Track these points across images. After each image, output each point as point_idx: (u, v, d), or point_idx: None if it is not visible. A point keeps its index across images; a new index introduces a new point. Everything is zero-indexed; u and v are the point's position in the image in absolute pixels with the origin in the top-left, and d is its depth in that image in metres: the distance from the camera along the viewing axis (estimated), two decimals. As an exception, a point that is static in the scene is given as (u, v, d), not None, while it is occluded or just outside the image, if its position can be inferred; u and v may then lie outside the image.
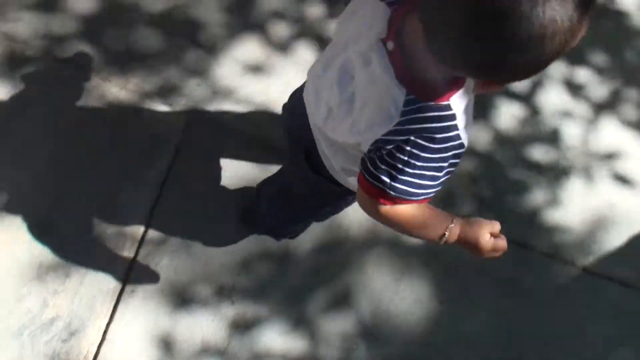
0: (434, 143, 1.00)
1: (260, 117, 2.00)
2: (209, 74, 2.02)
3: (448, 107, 0.98)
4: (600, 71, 2.20)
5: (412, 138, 0.99)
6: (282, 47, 2.08)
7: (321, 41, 2.08)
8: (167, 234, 1.86)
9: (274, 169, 1.85)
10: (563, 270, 1.99)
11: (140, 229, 1.85)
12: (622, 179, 2.11)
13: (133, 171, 1.90)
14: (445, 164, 1.03)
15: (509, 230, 1.27)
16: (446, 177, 1.05)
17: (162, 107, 1.97)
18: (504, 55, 0.82)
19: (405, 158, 1.01)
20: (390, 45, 0.98)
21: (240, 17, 2.09)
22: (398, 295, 1.90)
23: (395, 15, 0.99)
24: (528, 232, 2.00)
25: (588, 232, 2.04)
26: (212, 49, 2.05)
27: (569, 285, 1.99)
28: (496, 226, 1.17)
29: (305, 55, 2.07)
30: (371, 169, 1.06)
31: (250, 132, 1.98)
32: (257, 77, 2.04)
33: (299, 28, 2.11)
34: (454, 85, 0.98)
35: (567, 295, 1.97)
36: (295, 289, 1.88)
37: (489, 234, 1.16)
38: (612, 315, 1.98)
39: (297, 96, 1.36)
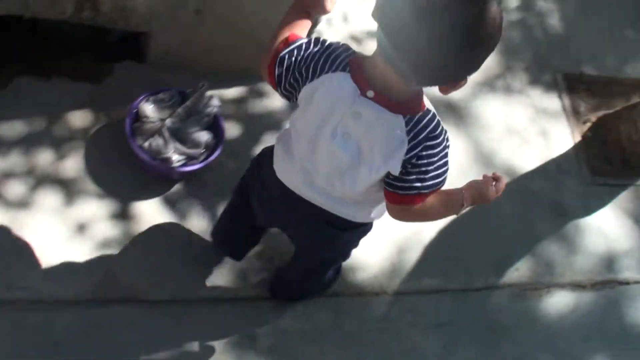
0: (437, 139, 1.27)
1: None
2: None
3: (429, 110, 1.26)
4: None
5: (425, 144, 1.25)
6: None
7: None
8: None
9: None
10: (377, 302, 2.14)
11: None
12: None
13: None
14: (447, 150, 1.30)
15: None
16: (447, 167, 1.32)
17: None
18: (477, 57, 1.12)
19: (425, 161, 1.27)
20: (371, 93, 1.22)
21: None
22: None
23: (356, 73, 1.23)
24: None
25: (386, 259, 2.20)
26: None
27: (388, 313, 2.13)
28: (488, 178, 1.46)
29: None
30: (402, 184, 1.30)
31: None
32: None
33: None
34: (420, 93, 1.25)
35: (391, 322, 2.11)
36: None
37: (490, 186, 1.44)
38: (435, 324, 2.14)
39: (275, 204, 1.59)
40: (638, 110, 2.57)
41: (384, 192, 1.36)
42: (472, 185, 1.46)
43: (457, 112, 2.50)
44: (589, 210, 2.46)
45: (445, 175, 1.32)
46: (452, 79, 1.17)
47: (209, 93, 2.08)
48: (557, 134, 2.59)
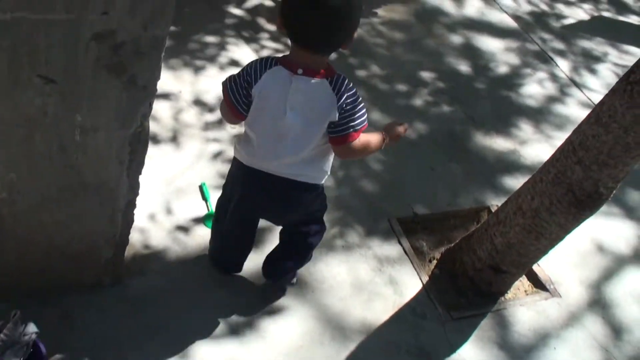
0: (352, 90, 1.83)
1: None
2: None
3: (339, 74, 1.83)
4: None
5: (346, 94, 1.81)
6: None
7: None
8: None
9: None
10: None
11: None
12: None
13: None
14: (360, 99, 1.87)
15: None
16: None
17: None
18: (354, 22, 1.77)
19: (350, 107, 1.82)
20: (300, 71, 1.79)
21: None
22: None
23: (284, 63, 1.80)
24: None
25: None
26: None
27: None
28: (395, 121, 2.12)
29: None
30: (340, 128, 1.84)
31: None
32: None
33: None
34: (329, 63, 1.83)
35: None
36: None
37: (398, 126, 2.08)
38: None
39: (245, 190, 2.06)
40: (475, 239, 2.61)
41: (329, 140, 1.88)
42: (386, 126, 2.07)
43: (301, 280, 2.44)
44: (453, 347, 2.40)
45: (365, 116, 1.88)
46: (345, 41, 1.77)
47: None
48: (405, 278, 2.57)
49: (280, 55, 1.89)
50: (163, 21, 1.60)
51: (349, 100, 1.81)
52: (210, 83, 3.09)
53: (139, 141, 1.83)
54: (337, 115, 1.81)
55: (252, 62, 1.85)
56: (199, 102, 3.02)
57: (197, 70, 3.21)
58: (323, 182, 2.08)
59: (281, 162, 1.93)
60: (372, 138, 1.95)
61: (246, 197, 2.08)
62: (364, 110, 1.87)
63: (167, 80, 3.06)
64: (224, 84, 1.89)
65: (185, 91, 3.05)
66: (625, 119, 2.03)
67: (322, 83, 1.79)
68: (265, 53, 3.43)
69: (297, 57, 1.79)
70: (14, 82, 1.56)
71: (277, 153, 1.91)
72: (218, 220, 2.26)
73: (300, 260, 2.32)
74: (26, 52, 1.52)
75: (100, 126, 1.74)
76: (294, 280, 2.42)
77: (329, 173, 2.06)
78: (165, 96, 2.98)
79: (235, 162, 2.07)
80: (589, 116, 2.20)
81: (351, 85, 1.83)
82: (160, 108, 2.91)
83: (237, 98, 1.86)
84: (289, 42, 1.83)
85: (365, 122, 1.89)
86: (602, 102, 2.14)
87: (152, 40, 1.62)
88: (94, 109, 1.70)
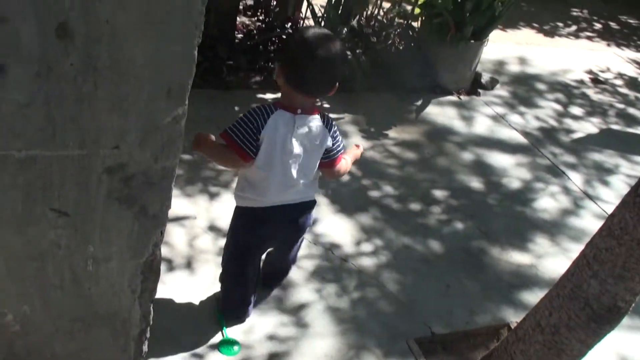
0: (333, 121, 2.34)
1: None
2: None
3: (323, 112, 2.31)
4: None
5: (331, 124, 2.32)
6: None
7: None
8: None
9: None
10: None
11: None
12: None
13: None
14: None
15: None
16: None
17: None
18: (340, 71, 2.24)
19: (336, 135, 2.35)
20: (299, 111, 2.22)
21: None
22: None
23: (283, 106, 2.23)
24: None
25: None
26: None
27: None
28: (357, 147, 2.65)
29: None
30: (332, 152, 2.36)
31: None
32: None
33: None
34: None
35: None
36: None
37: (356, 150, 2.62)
38: None
39: (263, 218, 2.38)
40: (495, 358, 2.55)
41: (321, 165, 2.35)
42: (351, 152, 2.56)
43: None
44: None
45: (344, 142, 2.42)
46: (333, 88, 2.25)
47: None
48: (425, 402, 2.49)
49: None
50: (173, 152, 1.66)
51: (335, 130, 2.33)
52: (225, 209, 3.14)
53: (151, 269, 1.85)
54: (331, 142, 2.31)
55: (252, 110, 2.19)
56: (214, 228, 3.05)
57: (212, 196, 3.27)
58: None
59: (296, 189, 2.31)
60: (348, 159, 2.48)
61: (268, 234, 2.43)
62: (341, 139, 2.40)
63: (182, 207, 3.12)
64: (228, 134, 2.18)
65: (201, 217, 3.10)
66: (637, 231, 2.03)
67: (317, 119, 2.27)
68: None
69: (295, 101, 2.20)
70: (27, 217, 1.60)
71: (291, 183, 2.28)
72: (233, 275, 2.53)
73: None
74: (40, 188, 1.57)
75: (112, 256, 1.77)
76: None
77: None
78: (180, 222, 3.03)
79: (243, 212, 2.39)
80: (601, 229, 2.19)
81: (332, 120, 2.34)
82: (175, 234, 2.94)
83: (247, 143, 2.17)
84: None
85: (345, 147, 2.46)
86: (613, 215, 2.14)
87: (162, 171, 1.67)
88: (105, 240, 1.73)
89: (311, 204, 2.45)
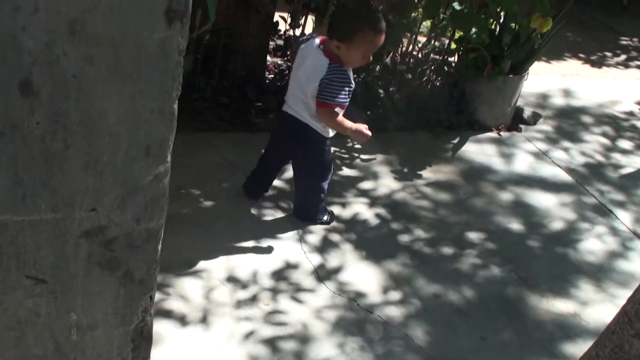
0: (335, 80, 2.78)
1: None
2: None
3: (342, 67, 2.81)
4: None
5: (329, 77, 2.77)
6: None
7: None
8: None
9: None
10: None
11: None
12: None
13: None
14: (339, 88, 2.80)
15: None
16: (345, 95, 2.83)
17: None
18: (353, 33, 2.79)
19: (325, 86, 2.78)
20: (321, 46, 2.83)
21: None
22: None
23: (320, 38, 2.89)
24: None
25: None
26: None
27: None
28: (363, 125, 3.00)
29: None
30: (319, 95, 2.80)
31: None
32: None
33: None
34: (343, 62, 2.81)
35: None
36: None
37: (363, 128, 2.99)
38: None
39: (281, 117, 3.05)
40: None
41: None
42: (356, 126, 2.96)
43: None
44: None
45: (337, 99, 2.80)
46: (344, 39, 2.77)
47: None
48: None
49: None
50: (157, 213, 1.54)
51: (326, 80, 2.76)
52: (244, 259, 3.02)
53: (141, 336, 1.73)
54: (318, 85, 2.78)
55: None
56: (232, 279, 2.93)
57: (229, 245, 3.16)
58: (328, 137, 3.01)
59: (293, 99, 2.92)
60: (341, 117, 2.89)
61: (276, 130, 3.24)
62: (338, 94, 2.78)
63: (198, 257, 3.01)
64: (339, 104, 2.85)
65: (219, 268, 2.98)
66: (683, 284, 1.84)
67: (325, 61, 2.79)
68: (303, 223, 3.36)
69: (325, 40, 2.86)
70: (2, 285, 1.50)
71: (292, 92, 2.94)
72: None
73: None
74: (14, 254, 1.48)
75: (98, 324, 1.66)
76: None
77: (331, 134, 3.02)
78: (196, 274, 2.91)
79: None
80: (643, 282, 2.00)
81: (343, 76, 2.79)
82: (190, 286, 2.83)
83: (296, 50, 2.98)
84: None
85: (335, 102, 2.80)
86: (655, 266, 1.95)
87: (147, 232, 1.56)
88: (89, 307, 1.62)
89: (307, 126, 2.96)
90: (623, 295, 3.25)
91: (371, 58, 2.90)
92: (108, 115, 1.39)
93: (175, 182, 3.21)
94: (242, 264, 3.01)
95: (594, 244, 3.72)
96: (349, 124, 2.93)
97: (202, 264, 2.99)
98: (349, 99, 2.88)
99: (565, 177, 4.41)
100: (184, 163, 3.48)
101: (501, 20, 4.46)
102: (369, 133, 3.00)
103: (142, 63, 1.37)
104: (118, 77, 1.36)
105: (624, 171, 4.63)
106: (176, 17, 1.37)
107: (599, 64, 6.69)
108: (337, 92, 2.78)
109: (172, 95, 1.44)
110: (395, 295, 3.03)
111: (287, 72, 4.64)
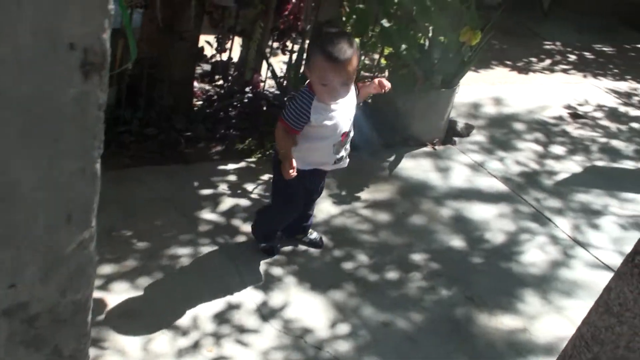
0: (298, 97, 2.76)
1: None
2: None
3: (311, 96, 2.74)
4: None
5: (296, 96, 2.77)
6: None
7: None
8: None
9: None
10: None
11: None
12: None
13: None
14: (299, 115, 2.73)
15: None
16: (296, 120, 2.74)
17: None
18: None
19: (289, 103, 2.76)
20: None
21: None
22: None
23: None
24: None
25: None
26: None
27: None
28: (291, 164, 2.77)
29: None
30: (285, 109, 2.76)
31: None
32: None
33: None
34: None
35: None
36: None
37: (288, 169, 2.75)
38: None
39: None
40: None
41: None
42: (287, 155, 2.77)
43: None
44: None
45: (285, 117, 2.75)
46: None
47: None
48: None
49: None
50: (84, 283, 1.40)
51: (290, 96, 2.81)
52: (182, 302, 2.87)
53: (76, 414, 1.57)
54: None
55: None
56: (171, 326, 2.77)
57: (170, 288, 3.00)
58: (300, 167, 2.85)
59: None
60: (284, 141, 2.79)
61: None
62: (290, 114, 2.72)
63: (134, 305, 2.84)
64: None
65: (156, 315, 2.82)
66: (638, 305, 1.80)
67: (306, 87, 2.76)
68: (242, 258, 3.24)
69: None
70: None
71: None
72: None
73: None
74: None
75: (26, 406, 1.49)
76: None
77: (305, 167, 2.91)
78: (133, 324, 2.75)
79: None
80: (597, 305, 1.96)
81: (306, 102, 2.71)
82: (127, 339, 2.67)
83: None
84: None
85: (284, 118, 2.74)
86: (609, 289, 1.91)
87: (73, 305, 1.41)
88: (15, 389, 1.46)
89: None
90: (569, 306, 3.25)
91: (339, 90, 2.70)
92: (22, 183, 1.25)
93: (106, 224, 3.05)
94: (181, 308, 2.87)
95: (535, 255, 3.72)
96: (284, 149, 2.77)
97: (138, 313, 2.82)
98: (299, 128, 2.76)
99: (502, 187, 4.41)
100: (113, 202, 3.31)
101: (430, 34, 4.43)
102: (291, 175, 2.77)
103: (57, 122, 1.23)
104: (32, 140, 1.22)
105: (559, 177, 4.67)
106: (93, 69, 1.24)
107: (525, 70, 6.78)
108: (290, 112, 2.72)
109: (94, 155, 1.30)
110: (343, 328, 2.93)
111: (215, 97, 4.51)
